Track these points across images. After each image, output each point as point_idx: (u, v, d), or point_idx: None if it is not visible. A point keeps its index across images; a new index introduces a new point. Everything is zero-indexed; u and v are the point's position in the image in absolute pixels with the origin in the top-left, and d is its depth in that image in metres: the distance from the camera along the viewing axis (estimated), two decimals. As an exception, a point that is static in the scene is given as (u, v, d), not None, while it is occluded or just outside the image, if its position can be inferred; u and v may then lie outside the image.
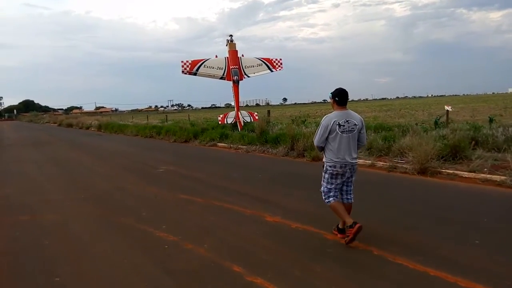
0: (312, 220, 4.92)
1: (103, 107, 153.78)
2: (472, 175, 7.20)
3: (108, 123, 29.66)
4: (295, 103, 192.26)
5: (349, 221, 3.97)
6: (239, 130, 15.37)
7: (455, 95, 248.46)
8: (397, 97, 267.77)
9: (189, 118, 25.37)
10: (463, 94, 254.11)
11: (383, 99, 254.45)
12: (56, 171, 10.26)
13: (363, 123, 4.20)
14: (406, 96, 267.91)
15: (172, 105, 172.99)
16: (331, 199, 4.16)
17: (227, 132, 16.12)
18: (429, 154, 7.80)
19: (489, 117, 10.90)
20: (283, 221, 5.02)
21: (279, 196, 6.42)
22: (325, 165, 4.19)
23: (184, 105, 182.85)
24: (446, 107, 10.94)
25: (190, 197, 6.60)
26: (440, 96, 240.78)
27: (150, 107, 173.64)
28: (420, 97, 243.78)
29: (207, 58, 14.65)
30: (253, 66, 15.46)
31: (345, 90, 4.10)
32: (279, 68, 16.04)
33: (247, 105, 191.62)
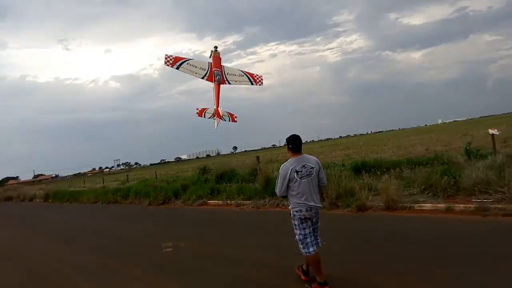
0: None
1: (42, 175, 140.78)
2: None
3: (56, 191, 25.30)
4: (245, 151, 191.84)
5: (321, 278, 4.04)
6: (216, 126, 14.08)
7: (392, 129, 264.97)
8: (341, 136, 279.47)
9: (156, 175, 22.24)
10: (399, 128, 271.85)
11: (328, 139, 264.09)
12: (9, 270, 6.98)
13: (320, 165, 4.20)
14: (349, 135, 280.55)
15: (118, 165, 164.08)
16: (311, 249, 4.07)
17: (218, 186, 13.54)
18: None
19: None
20: None
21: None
22: (292, 212, 4.15)
23: (131, 163, 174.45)
24: (491, 131, 9.47)
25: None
26: (379, 132, 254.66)
27: (94, 169, 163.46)
28: (361, 134, 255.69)
29: (190, 58, 14.04)
30: (235, 75, 15.02)
31: (297, 136, 4.14)
32: (260, 83, 15.49)
33: (197, 157, 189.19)
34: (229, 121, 15.05)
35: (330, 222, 7.53)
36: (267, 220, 8.81)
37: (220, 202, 12.27)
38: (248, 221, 8.99)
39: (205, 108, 14.35)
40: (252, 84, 14.98)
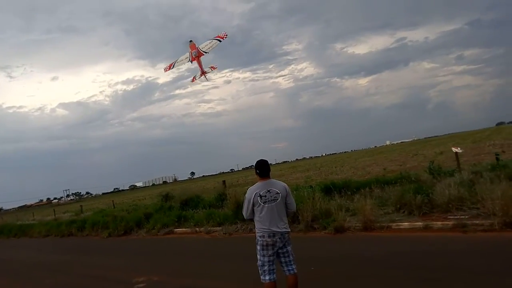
0: None
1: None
2: None
3: (3, 225, 23.24)
4: (203, 176, 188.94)
5: None
6: (207, 79, 16.35)
7: (345, 151, 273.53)
8: (297, 159, 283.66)
9: (113, 204, 21.03)
10: (351, 150, 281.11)
11: (284, 162, 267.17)
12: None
13: (288, 190, 4.16)
14: (304, 157, 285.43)
15: (68, 195, 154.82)
16: (267, 277, 3.96)
17: (185, 213, 12.93)
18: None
19: (496, 154, 10.07)
20: None
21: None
22: (256, 236, 4.09)
23: (82, 193, 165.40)
24: (454, 149, 9.87)
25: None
26: (332, 154, 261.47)
27: (42, 200, 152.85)
28: (316, 156, 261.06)
29: (176, 60, 16.12)
30: (207, 46, 16.79)
31: (265, 161, 4.14)
32: (225, 36, 17.17)
33: (153, 184, 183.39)
34: (211, 71, 16.72)
35: (309, 246, 7.32)
36: (241, 246, 8.43)
37: (188, 230, 11.71)
38: (221, 249, 8.57)
39: (195, 75, 16.67)
40: (220, 41, 16.89)
